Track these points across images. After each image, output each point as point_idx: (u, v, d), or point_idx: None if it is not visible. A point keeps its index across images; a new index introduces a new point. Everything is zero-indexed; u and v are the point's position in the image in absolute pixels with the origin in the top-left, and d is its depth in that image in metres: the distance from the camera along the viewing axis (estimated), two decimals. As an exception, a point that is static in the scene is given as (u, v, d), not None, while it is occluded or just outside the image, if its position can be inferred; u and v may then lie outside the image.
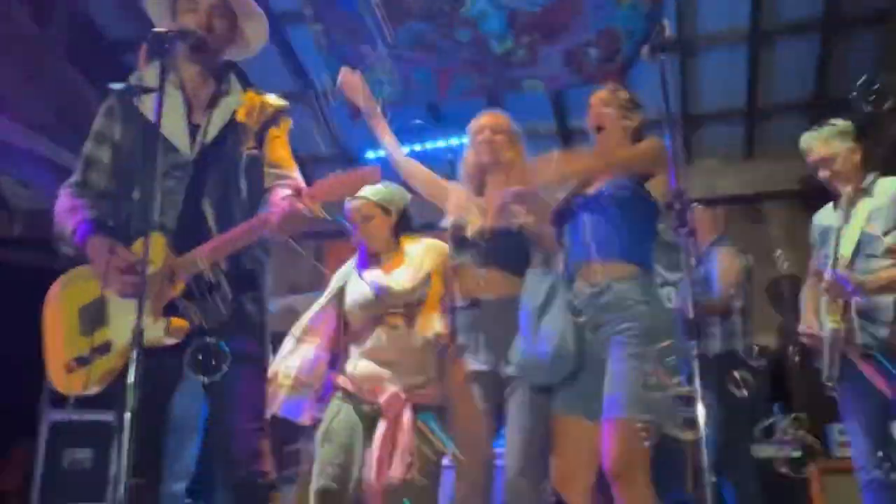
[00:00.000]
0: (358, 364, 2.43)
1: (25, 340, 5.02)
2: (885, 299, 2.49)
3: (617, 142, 2.23)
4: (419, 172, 2.56)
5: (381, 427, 2.31)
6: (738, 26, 4.50)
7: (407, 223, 2.58)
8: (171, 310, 1.72)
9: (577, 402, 2.08)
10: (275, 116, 2.01)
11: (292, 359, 2.44)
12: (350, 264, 2.62)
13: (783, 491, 3.81)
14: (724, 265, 3.46)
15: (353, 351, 2.47)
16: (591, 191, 2.22)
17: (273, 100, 2.04)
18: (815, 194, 2.92)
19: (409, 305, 2.43)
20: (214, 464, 1.80)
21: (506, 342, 2.20)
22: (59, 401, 4.72)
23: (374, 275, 2.49)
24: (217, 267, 1.76)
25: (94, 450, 4.64)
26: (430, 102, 5.13)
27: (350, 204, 2.50)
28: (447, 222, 2.42)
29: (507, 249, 2.26)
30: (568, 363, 2.06)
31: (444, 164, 5.61)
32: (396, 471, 2.23)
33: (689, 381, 1.58)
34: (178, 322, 1.70)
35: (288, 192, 1.81)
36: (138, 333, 1.53)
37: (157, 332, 1.66)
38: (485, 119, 2.47)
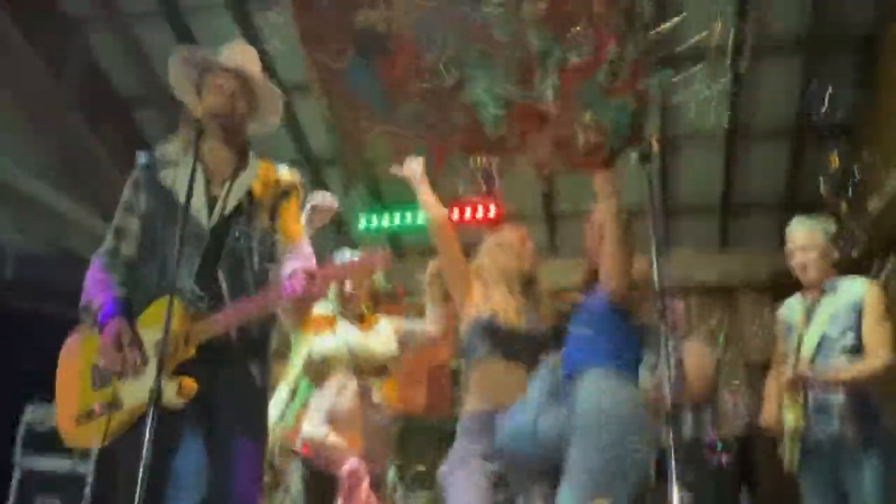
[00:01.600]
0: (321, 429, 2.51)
1: (4, 384, 5.02)
2: (837, 397, 2.63)
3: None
4: (452, 245, 2.53)
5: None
6: (716, 129, 4.80)
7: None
8: (186, 372, 1.83)
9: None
10: (287, 191, 2.16)
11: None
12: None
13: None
14: (694, 359, 3.59)
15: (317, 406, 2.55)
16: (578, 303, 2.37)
17: (285, 175, 2.18)
18: (783, 288, 3.07)
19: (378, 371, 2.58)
20: None
21: None
22: (32, 448, 4.72)
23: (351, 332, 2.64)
24: (229, 334, 1.89)
25: (64, 497, 4.61)
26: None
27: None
28: (476, 313, 2.41)
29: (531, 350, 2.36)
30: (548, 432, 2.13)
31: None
32: None
33: (664, 466, 1.70)
34: (188, 383, 1.80)
35: (301, 270, 1.94)
36: (156, 392, 1.64)
37: (170, 391, 1.76)
38: (522, 231, 2.62)
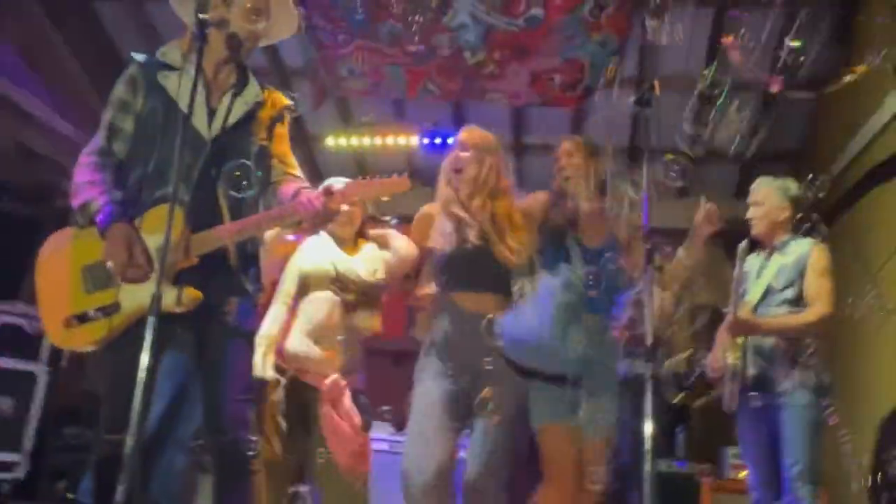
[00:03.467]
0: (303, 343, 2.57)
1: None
2: (773, 341, 2.85)
3: (580, 190, 2.48)
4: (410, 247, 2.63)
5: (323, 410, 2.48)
6: (692, 74, 4.85)
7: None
8: (179, 280, 1.83)
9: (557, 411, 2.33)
10: (281, 112, 2.14)
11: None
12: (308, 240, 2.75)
13: (677, 504, 4.18)
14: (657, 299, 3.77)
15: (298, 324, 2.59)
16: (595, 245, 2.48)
17: (281, 96, 2.17)
18: (738, 236, 3.24)
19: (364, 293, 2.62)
20: (205, 429, 1.92)
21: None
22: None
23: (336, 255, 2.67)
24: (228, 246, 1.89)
25: (15, 398, 4.58)
26: (396, 99, 5.28)
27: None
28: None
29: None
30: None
31: (401, 159, 5.80)
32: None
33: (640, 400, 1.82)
34: (192, 292, 1.81)
35: (307, 188, 1.94)
36: (157, 299, 1.64)
37: (170, 298, 1.77)
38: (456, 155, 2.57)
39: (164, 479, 2.74)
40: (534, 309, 2.32)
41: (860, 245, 4.23)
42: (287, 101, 2.16)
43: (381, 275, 2.66)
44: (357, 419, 2.50)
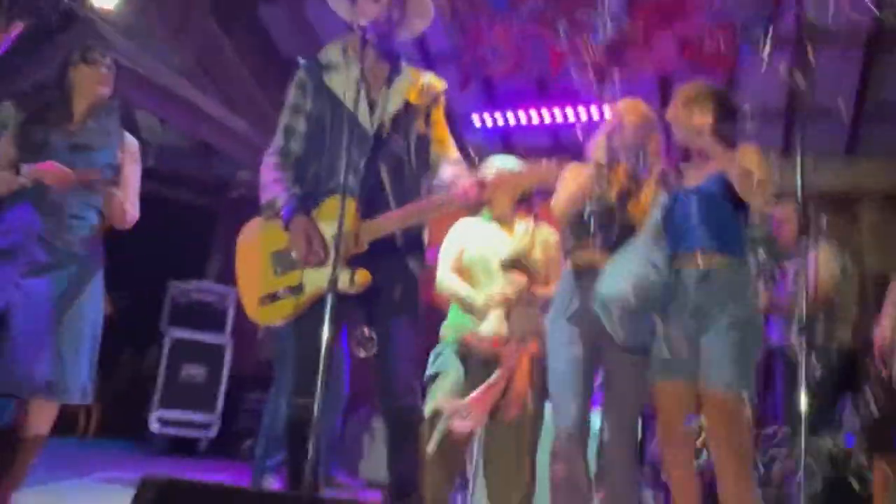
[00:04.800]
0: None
1: (150, 263, 5.54)
2: None
3: (690, 137, 2.41)
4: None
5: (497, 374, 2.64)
6: (856, 29, 4.52)
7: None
8: (351, 264, 2.04)
9: (672, 366, 2.29)
10: (437, 96, 2.28)
11: None
12: (467, 226, 2.91)
13: (845, 487, 3.99)
14: (821, 265, 3.60)
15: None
16: (693, 184, 2.40)
17: (435, 81, 2.29)
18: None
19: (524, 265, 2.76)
20: (378, 397, 2.14)
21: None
22: (177, 321, 5.27)
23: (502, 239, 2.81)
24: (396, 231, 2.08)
25: (208, 365, 5.18)
26: (539, 77, 5.32)
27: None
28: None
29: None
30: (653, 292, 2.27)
31: (546, 135, 5.85)
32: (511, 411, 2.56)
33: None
34: (363, 275, 2.02)
35: (467, 176, 2.09)
36: (334, 280, 1.85)
37: (344, 281, 1.98)
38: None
39: (329, 441, 3.05)
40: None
41: None
42: (441, 86, 2.28)
43: (525, 245, 2.78)
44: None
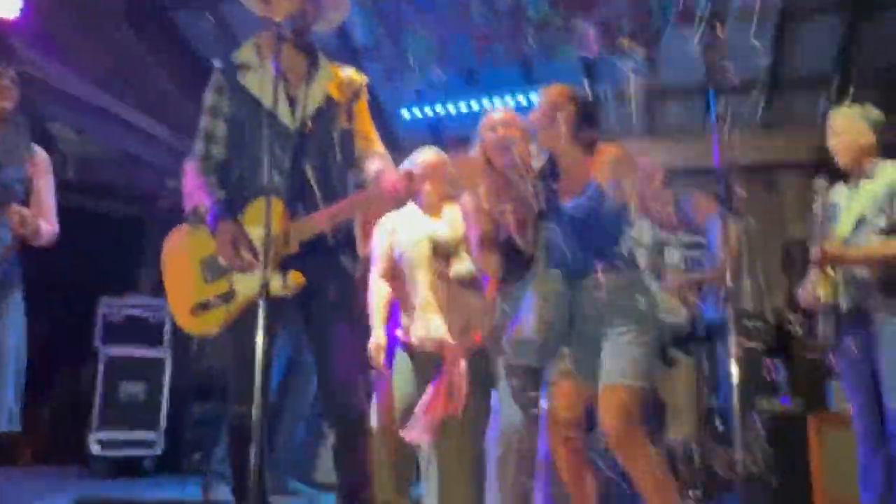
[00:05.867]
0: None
1: (79, 279, 5.34)
2: (865, 272, 2.77)
3: (551, 139, 2.39)
4: None
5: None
6: (768, 2, 4.68)
7: None
8: (283, 266, 2.01)
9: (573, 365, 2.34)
10: (357, 91, 2.26)
11: None
12: (392, 219, 2.87)
13: (783, 441, 4.16)
14: (723, 232, 3.70)
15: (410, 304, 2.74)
16: (568, 202, 2.38)
17: (355, 74, 2.27)
18: (828, 167, 3.12)
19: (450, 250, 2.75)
20: (320, 400, 2.11)
21: None
22: (110, 338, 5.10)
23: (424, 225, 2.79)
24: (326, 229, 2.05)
25: (147, 383, 5.02)
26: (466, 67, 5.33)
27: (424, 158, 2.78)
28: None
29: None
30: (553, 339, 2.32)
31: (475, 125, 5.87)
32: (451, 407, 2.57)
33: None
34: (296, 277, 1.99)
35: (393, 169, 2.07)
36: (265, 285, 1.82)
37: (277, 284, 1.95)
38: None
39: (287, 448, 3.01)
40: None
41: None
42: (362, 80, 2.27)
43: (461, 230, 2.75)
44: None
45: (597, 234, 2.32)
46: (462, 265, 2.70)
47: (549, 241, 2.39)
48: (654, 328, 2.34)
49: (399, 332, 2.81)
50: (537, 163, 2.49)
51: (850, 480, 2.98)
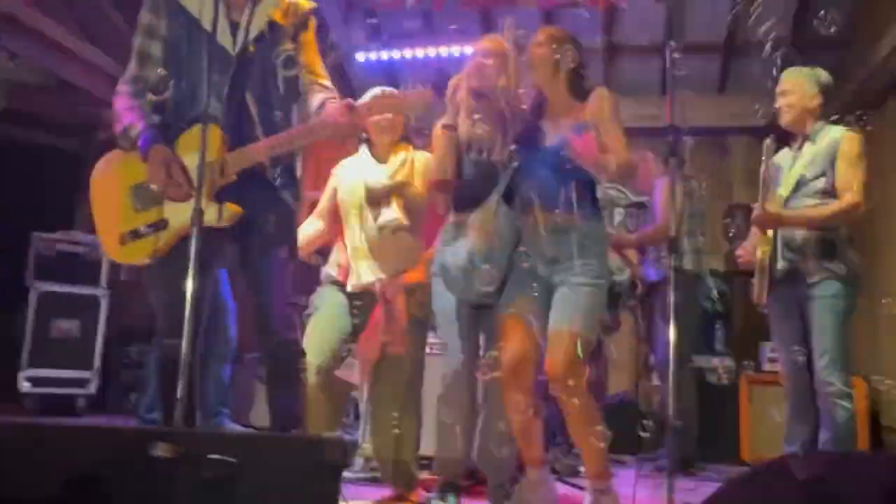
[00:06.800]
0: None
1: (11, 213, 5.10)
2: (803, 233, 2.82)
3: (547, 78, 2.41)
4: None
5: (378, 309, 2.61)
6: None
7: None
8: (219, 197, 1.93)
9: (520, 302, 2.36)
10: (305, 18, 2.15)
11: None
12: (344, 164, 2.85)
13: (716, 398, 4.31)
14: (666, 193, 3.74)
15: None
16: (551, 142, 2.39)
17: (303, 0, 2.16)
18: (777, 132, 3.15)
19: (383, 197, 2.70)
20: (256, 334, 2.06)
21: None
22: (43, 274, 4.91)
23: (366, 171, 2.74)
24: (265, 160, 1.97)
25: (81, 321, 4.87)
26: (424, 11, 5.20)
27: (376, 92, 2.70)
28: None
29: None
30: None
31: (433, 72, 5.75)
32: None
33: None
34: (232, 208, 1.91)
35: (339, 101, 1.99)
36: (198, 214, 1.74)
37: (212, 215, 1.87)
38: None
39: (215, 390, 2.95)
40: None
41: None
42: (310, 5, 2.16)
43: (400, 177, 2.71)
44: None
45: (574, 175, 2.31)
46: (389, 214, 2.65)
47: (520, 174, 2.39)
48: (607, 282, 2.39)
49: (332, 270, 2.78)
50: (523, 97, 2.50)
51: (777, 436, 3.08)
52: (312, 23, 2.18)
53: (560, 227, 2.31)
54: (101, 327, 4.93)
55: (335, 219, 2.82)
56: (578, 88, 2.43)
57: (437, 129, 2.54)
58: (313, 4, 2.19)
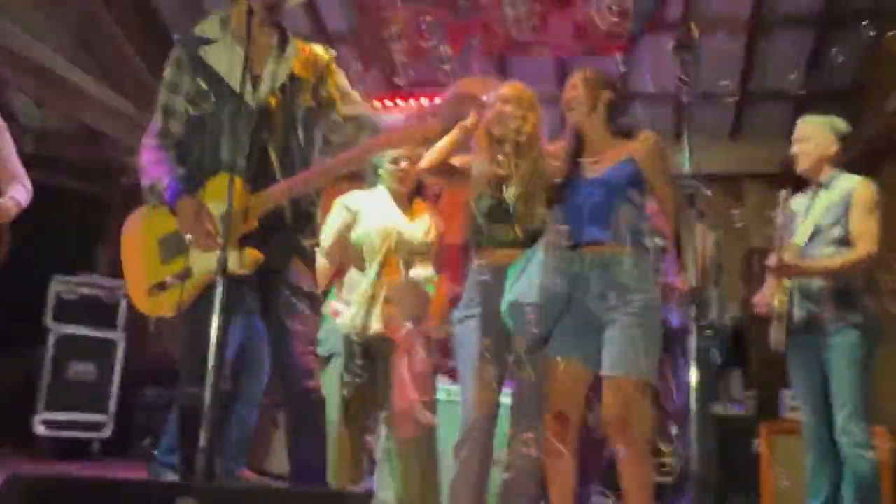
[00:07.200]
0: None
1: (32, 255, 5.20)
2: (820, 282, 2.82)
3: (584, 118, 2.44)
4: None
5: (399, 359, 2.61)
6: (739, 14, 4.75)
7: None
8: (243, 243, 1.96)
9: (571, 346, 2.34)
10: (324, 69, 2.19)
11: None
12: (359, 199, 2.85)
13: (735, 447, 4.24)
14: (694, 241, 3.75)
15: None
16: (594, 175, 2.43)
17: (321, 51, 2.21)
18: (791, 178, 3.17)
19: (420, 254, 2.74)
20: (279, 381, 2.07)
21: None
22: (63, 316, 4.96)
23: (396, 218, 2.76)
24: (280, 207, 2.01)
25: (97, 364, 4.90)
26: (440, 60, 5.29)
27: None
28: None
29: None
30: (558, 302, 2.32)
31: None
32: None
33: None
34: (253, 254, 1.94)
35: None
36: (223, 261, 1.77)
37: (233, 262, 1.89)
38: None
39: (238, 434, 2.95)
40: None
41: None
42: (329, 55, 2.21)
43: (433, 236, 2.78)
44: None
45: (619, 208, 2.34)
46: (425, 271, 2.72)
47: (562, 214, 2.41)
48: (658, 318, 2.35)
49: (340, 315, 2.76)
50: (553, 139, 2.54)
51: (799, 487, 3.02)
52: (333, 69, 2.23)
53: (608, 260, 2.32)
54: (118, 370, 4.96)
55: (343, 256, 2.82)
56: (617, 125, 2.47)
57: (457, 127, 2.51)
58: (332, 53, 2.24)
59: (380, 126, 2.18)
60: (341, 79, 2.22)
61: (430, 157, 2.53)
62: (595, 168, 2.44)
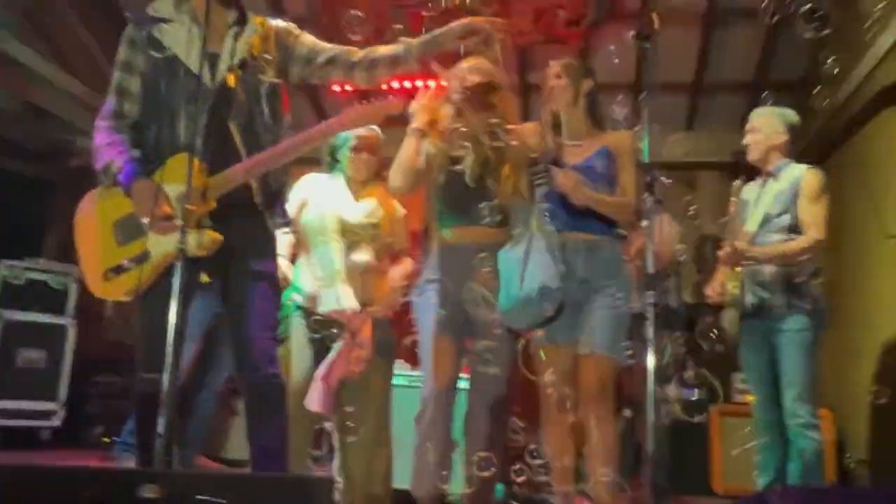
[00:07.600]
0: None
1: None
2: (769, 269, 2.92)
3: (566, 106, 2.51)
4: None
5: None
6: (696, 5, 4.82)
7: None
8: (200, 224, 1.92)
9: (560, 331, 2.43)
10: (290, 34, 2.18)
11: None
12: (314, 182, 2.83)
13: (686, 429, 4.35)
14: (663, 230, 3.84)
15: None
16: (576, 161, 2.48)
17: (282, 24, 2.18)
18: (744, 168, 3.27)
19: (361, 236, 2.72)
20: (235, 369, 2.04)
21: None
22: (11, 302, 4.81)
23: (347, 201, 2.74)
24: (248, 186, 1.98)
25: (47, 351, 4.76)
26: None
27: (360, 131, 2.72)
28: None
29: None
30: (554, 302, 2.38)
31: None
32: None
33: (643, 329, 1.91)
34: (211, 235, 1.91)
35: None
36: (182, 245, 1.75)
37: (193, 243, 1.86)
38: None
39: (196, 421, 2.91)
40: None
41: (865, 172, 4.26)
42: (291, 26, 2.19)
43: (375, 220, 2.74)
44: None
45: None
46: (360, 256, 2.68)
47: (545, 196, 2.45)
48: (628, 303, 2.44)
49: (297, 297, 2.74)
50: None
51: (748, 468, 3.13)
52: (296, 31, 2.20)
53: (591, 245, 2.42)
54: (68, 357, 4.83)
55: (297, 240, 2.81)
56: (597, 115, 2.54)
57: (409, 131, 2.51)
58: (292, 25, 2.21)
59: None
60: (309, 37, 2.20)
61: (396, 179, 2.52)
62: (576, 153, 2.49)
